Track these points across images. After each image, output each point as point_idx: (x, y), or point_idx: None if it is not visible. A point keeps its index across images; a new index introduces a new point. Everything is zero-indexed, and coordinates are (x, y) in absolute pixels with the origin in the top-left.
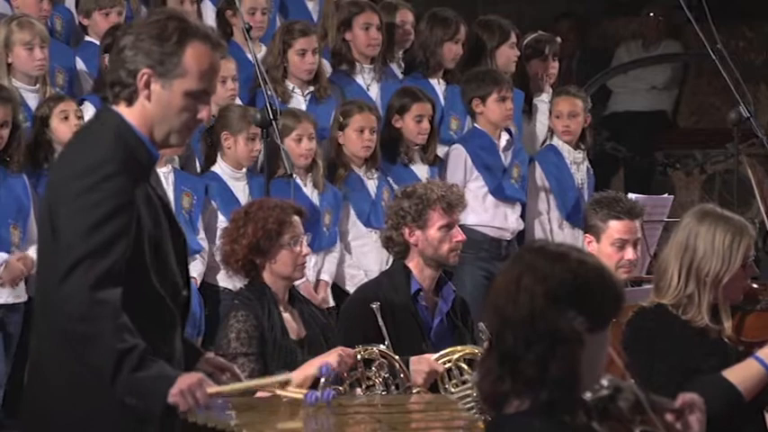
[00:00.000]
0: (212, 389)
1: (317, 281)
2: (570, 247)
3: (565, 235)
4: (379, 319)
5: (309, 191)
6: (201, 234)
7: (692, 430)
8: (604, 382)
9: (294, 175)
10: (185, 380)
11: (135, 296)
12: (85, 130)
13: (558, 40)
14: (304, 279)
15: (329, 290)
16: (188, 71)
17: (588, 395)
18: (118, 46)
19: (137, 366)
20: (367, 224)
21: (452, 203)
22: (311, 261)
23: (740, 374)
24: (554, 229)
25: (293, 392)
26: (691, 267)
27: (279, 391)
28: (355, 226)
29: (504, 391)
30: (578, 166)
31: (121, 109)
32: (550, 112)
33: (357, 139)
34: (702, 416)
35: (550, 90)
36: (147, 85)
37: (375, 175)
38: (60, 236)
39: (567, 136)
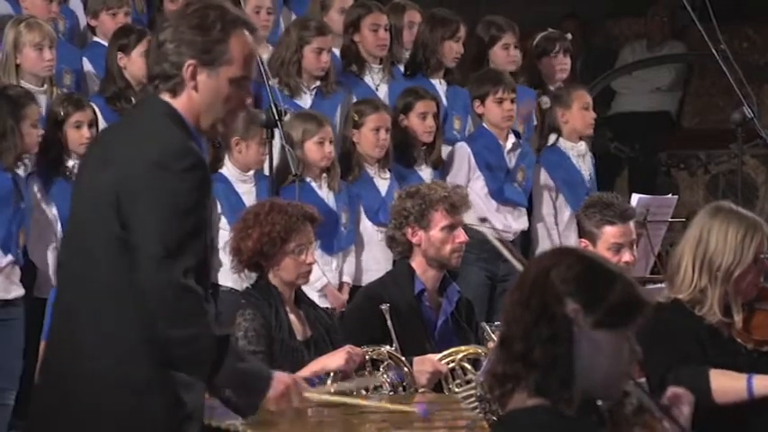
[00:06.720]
0: (306, 393)
1: (341, 283)
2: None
3: (573, 236)
4: (389, 321)
5: (325, 193)
6: None
7: (680, 420)
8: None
9: (308, 179)
10: (283, 380)
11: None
12: (140, 118)
13: (569, 36)
14: (326, 282)
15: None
16: (234, 58)
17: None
18: (157, 40)
19: (236, 356)
20: (375, 220)
21: (455, 204)
22: (332, 264)
23: (724, 382)
24: (561, 231)
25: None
26: (704, 261)
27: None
28: (363, 224)
29: (501, 372)
30: (583, 158)
31: (166, 100)
32: (562, 107)
33: (372, 138)
34: (689, 409)
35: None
36: (194, 76)
37: (387, 175)
38: (142, 224)
39: (591, 128)
